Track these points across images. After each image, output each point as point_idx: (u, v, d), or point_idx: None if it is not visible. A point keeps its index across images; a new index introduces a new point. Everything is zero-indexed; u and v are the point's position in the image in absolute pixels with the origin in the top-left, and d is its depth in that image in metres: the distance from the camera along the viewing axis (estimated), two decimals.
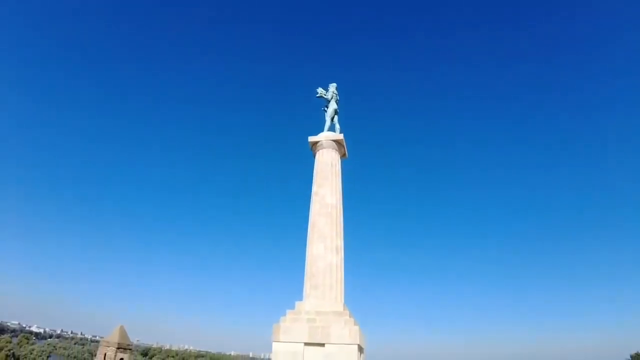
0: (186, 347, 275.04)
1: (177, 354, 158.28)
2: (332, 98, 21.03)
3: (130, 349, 26.88)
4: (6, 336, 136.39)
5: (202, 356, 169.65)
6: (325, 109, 21.12)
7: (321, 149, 19.60)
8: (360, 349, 15.54)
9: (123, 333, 26.62)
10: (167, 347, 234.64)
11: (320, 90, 21.30)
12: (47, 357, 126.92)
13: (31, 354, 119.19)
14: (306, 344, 15.06)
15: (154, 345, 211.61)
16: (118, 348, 25.89)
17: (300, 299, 16.99)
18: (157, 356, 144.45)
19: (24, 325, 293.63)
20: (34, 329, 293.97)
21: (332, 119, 20.79)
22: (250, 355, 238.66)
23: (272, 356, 15.22)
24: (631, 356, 50.49)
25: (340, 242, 17.64)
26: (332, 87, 21.38)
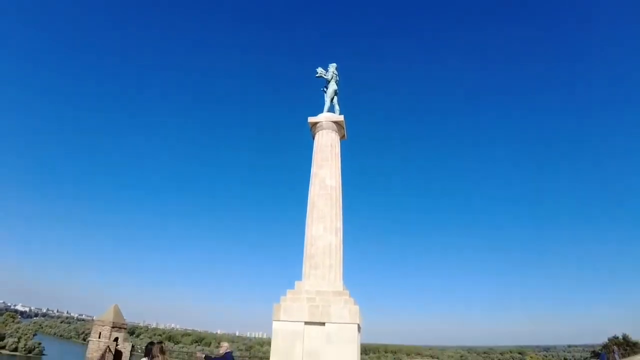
0: (172, 325, 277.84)
1: (163, 333, 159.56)
2: (332, 78, 20.72)
3: (124, 328, 26.94)
4: None
5: (188, 334, 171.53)
6: (325, 89, 20.84)
7: (321, 130, 19.49)
8: (359, 328, 15.91)
9: (117, 312, 26.60)
10: (154, 325, 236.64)
11: (319, 70, 20.98)
12: (34, 335, 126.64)
13: (17, 332, 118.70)
14: (306, 323, 15.32)
15: (141, 324, 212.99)
16: (113, 327, 25.89)
17: (299, 279, 17.18)
18: (143, 334, 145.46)
19: (8, 304, 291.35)
20: (19, 307, 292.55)
21: (332, 99, 20.57)
22: (237, 334, 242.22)
23: (273, 335, 15.47)
24: (608, 339, 52.86)
25: (339, 223, 17.78)
26: (332, 67, 21.04)
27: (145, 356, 9.09)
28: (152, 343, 9.97)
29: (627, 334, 52.86)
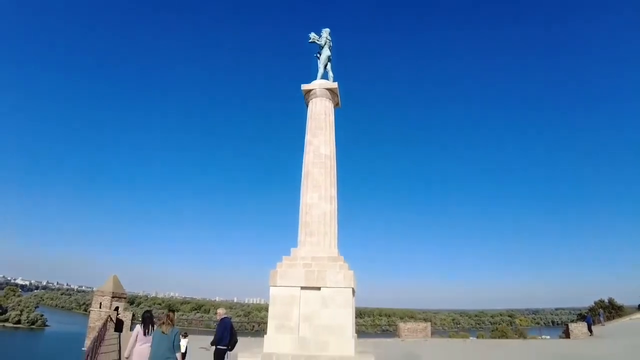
0: (172, 294, 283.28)
1: (163, 301, 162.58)
2: (325, 44, 20.20)
3: (124, 297, 27.45)
4: None
5: (188, 302, 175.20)
6: (318, 55, 20.36)
7: (314, 97, 19.22)
8: (353, 292, 16.32)
9: (117, 282, 27.05)
10: (153, 295, 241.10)
11: (312, 35, 20.41)
12: (35, 307, 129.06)
13: (19, 305, 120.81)
14: (302, 287, 15.67)
15: (140, 294, 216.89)
16: (113, 297, 26.39)
17: (295, 246, 17.43)
18: (143, 303, 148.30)
19: (8, 278, 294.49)
20: (19, 281, 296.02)
21: (325, 66, 20.13)
22: (235, 301, 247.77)
23: (270, 299, 15.83)
24: (595, 302, 54.63)
25: (334, 191, 17.87)
26: (325, 32, 20.48)
27: (142, 323, 9.25)
28: (148, 311, 10.20)
29: (612, 298, 54.75)
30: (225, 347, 10.49)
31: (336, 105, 20.18)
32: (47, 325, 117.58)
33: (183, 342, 12.30)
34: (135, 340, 8.83)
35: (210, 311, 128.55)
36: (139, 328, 9.11)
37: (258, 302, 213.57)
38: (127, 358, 8.85)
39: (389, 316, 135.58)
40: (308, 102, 19.69)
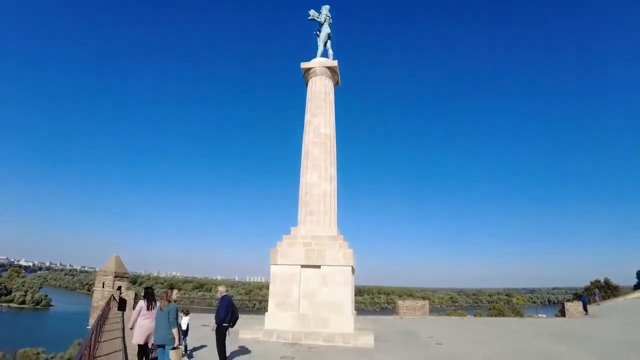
0: (174, 273, 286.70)
1: (165, 281, 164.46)
2: (325, 21, 19.83)
3: (127, 277, 27.81)
4: None
5: (189, 281, 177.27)
6: (318, 33, 20.02)
7: (314, 76, 19.01)
8: (353, 270, 16.53)
9: (119, 262, 27.37)
10: (155, 274, 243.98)
11: (312, 12, 20.02)
12: (39, 288, 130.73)
13: (23, 286, 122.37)
14: (302, 266, 15.88)
15: (143, 274, 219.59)
16: (115, 276, 26.74)
17: (295, 225, 17.56)
18: (145, 283, 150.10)
19: (12, 260, 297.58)
20: (23, 262, 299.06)
21: (325, 44, 19.83)
22: (236, 279, 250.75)
23: (271, 278, 16.06)
24: (591, 282, 55.27)
25: (333, 171, 17.88)
26: (325, 9, 20.07)
27: (144, 298, 9.49)
28: (149, 287, 10.42)
29: (608, 278, 55.42)
30: (226, 324, 10.65)
31: (336, 84, 19.98)
32: (51, 305, 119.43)
33: (185, 320, 12.52)
34: (138, 314, 9.16)
35: (212, 290, 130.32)
36: (142, 303, 9.42)
37: (259, 280, 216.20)
38: (131, 329, 9.24)
39: (388, 294, 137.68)
40: (307, 80, 19.49)
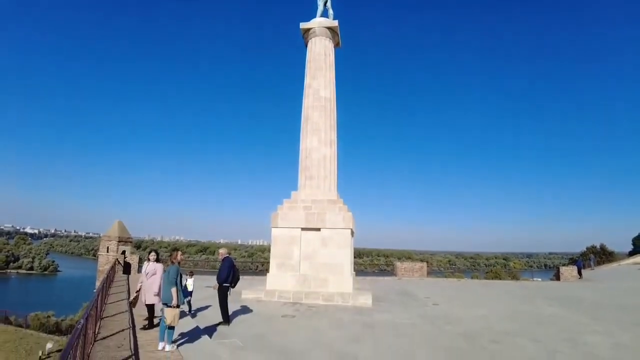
0: (177, 238, 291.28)
1: (168, 245, 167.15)
2: None
3: (130, 242, 28.23)
4: (2, 239, 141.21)
5: (193, 245, 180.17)
6: None
7: (314, 37, 18.46)
8: (352, 233, 16.76)
9: (122, 227, 27.71)
10: (159, 239, 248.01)
11: None
12: (46, 254, 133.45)
13: (30, 253, 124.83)
14: (303, 229, 16.10)
15: (146, 238, 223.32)
16: (119, 241, 27.15)
17: (295, 189, 17.64)
18: (149, 247, 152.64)
19: (17, 228, 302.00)
20: (28, 230, 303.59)
21: (325, 3, 19.11)
22: (239, 242, 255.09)
23: (272, 240, 16.33)
24: (587, 248, 55.97)
25: (333, 135, 17.75)
26: None
27: (148, 260, 9.70)
28: (153, 249, 10.60)
29: (604, 244, 56.17)
30: (228, 285, 10.92)
31: (336, 45, 19.45)
32: (59, 271, 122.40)
33: (190, 281, 12.83)
34: (145, 276, 9.41)
35: (215, 253, 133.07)
36: (147, 263, 9.64)
37: (261, 243, 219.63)
38: (137, 292, 9.53)
39: (387, 257, 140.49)
40: (307, 42, 18.96)
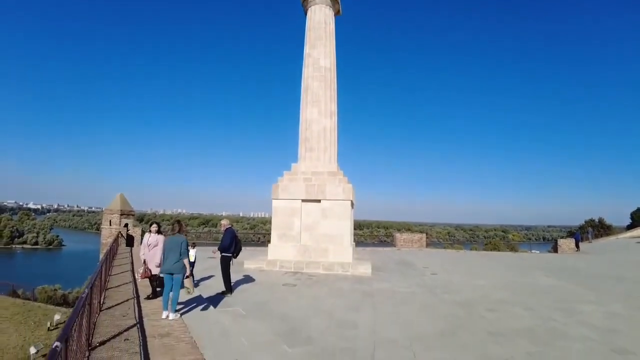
0: (179, 210, 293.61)
1: (171, 217, 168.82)
2: None
3: (132, 214, 28.46)
4: (6, 215, 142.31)
5: (195, 218, 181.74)
6: None
7: (313, 4, 17.90)
8: (352, 204, 16.83)
9: (124, 200, 27.88)
10: (161, 212, 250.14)
11: None
12: (50, 229, 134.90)
13: (34, 228, 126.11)
14: (303, 200, 16.18)
15: (149, 211, 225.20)
16: (121, 214, 27.37)
17: (295, 162, 17.59)
18: (152, 220, 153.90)
19: (20, 204, 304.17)
20: (31, 205, 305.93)
21: None
22: (241, 215, 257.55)
23: (273, 212, 16.43)
24: (585, 221, 56.32)
25: (334, 106, 17.52)
26: None
27: (150, 232, 9.79)
28: (155, 221, 10.67)
29: (603, 217, 56.55)
30: (230, 255, 11.03)
31: (337, 13, 18.90)
32: (63, 245, 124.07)
33: (192, 252, 12.96)
34: (148, 247, 9.51)
35: (217, 225, 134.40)
36: (149, 235, 9.72)
37: (263, 216, 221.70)
38: (144, 263, 9.59)
39: (387, 228, 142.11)
40: (307, 9, 18.41)
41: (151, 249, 9.53)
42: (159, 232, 9.96)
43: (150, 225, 10.34)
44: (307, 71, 17.48)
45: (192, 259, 12.84)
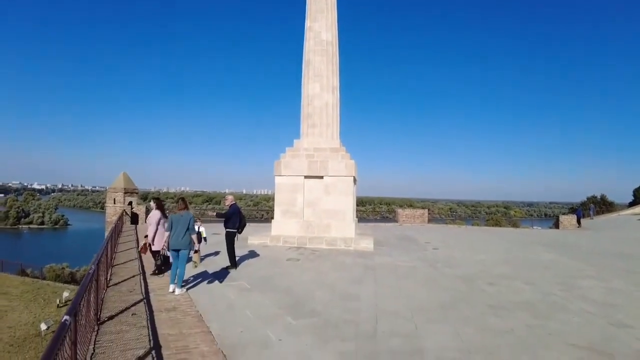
0: (183, 188, 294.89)
1: (174, 195, 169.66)
2: None
3: (136, 192, 28.60)
4: (11, 195, 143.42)
5: (199, 195, 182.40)
6: None
7: None
8: (354, 180, 16.83)
9: (127, 178, 27.97)
10: (165, 190, 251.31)
11: None
12: (55, 209, 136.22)
13: (40, 208, 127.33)
14: (306, 177, 16.18)
15: (152, 190, 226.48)
16: (125, 192, 27.50)
17: (298, 138, 17.49)
18: (151, 197, 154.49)
19: (25, 184, 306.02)
20: (35, 186, 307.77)
21: None
22: (244, 192, 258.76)
23: (276, 188, 16.47)
24: (587, 198, 56.31)
25: (336, 81, 17.25)
26: None
27: (157, 208, 9.74)
28: (157, 198, 10.65)
29: (605, 194, 56.53)
30: (235, 230, 11.12)
31: None
32: (69, 225, 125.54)
33: (202, 229, 13.01)
34: (158, 224, 9.45)
35: (221, 203, 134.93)
36: (157, 213, 9.58)
37: (266, 193, 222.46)
38: (152, 241, 9.47)
39: (389, 204, 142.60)
40: None
41: (162, 227, 9.46)
42: (158, 208, 9.79)
43: (150, 202, 10.33)
44: (309, 45, 17.13)
45: (204, 235, 12.97)
